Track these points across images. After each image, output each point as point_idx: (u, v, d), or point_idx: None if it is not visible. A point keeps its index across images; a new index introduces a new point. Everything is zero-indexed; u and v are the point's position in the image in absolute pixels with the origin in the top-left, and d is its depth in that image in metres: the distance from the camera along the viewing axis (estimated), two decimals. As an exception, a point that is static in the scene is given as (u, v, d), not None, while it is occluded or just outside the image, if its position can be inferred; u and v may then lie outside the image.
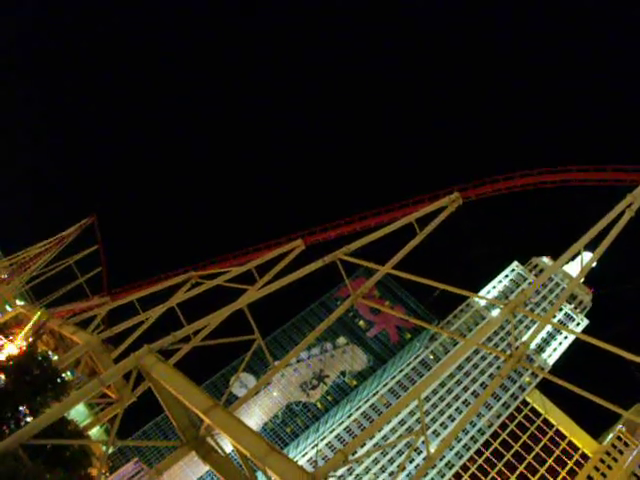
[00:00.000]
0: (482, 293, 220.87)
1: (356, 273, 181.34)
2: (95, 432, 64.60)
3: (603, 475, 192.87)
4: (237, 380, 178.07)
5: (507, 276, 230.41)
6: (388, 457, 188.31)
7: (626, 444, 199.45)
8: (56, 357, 47.71)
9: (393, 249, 51.12)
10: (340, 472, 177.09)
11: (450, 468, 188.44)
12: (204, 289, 55.54)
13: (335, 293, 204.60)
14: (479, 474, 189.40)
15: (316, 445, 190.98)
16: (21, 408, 37.37)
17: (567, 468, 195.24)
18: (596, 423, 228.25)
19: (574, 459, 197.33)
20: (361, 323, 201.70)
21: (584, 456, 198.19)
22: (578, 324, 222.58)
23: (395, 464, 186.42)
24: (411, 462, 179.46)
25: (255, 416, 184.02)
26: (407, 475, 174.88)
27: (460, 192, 53.21)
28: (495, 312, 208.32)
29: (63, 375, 41.54)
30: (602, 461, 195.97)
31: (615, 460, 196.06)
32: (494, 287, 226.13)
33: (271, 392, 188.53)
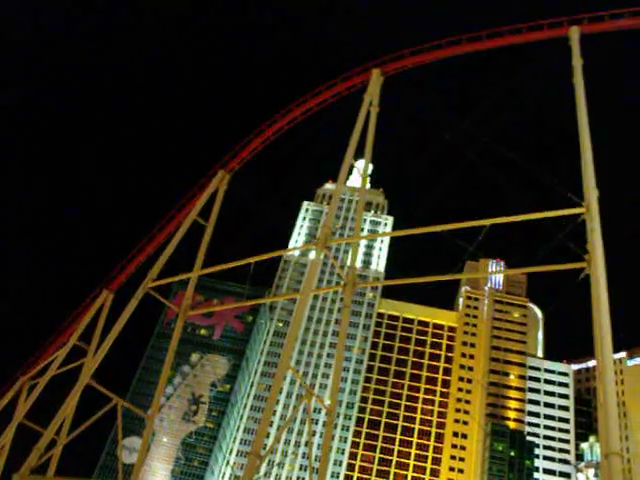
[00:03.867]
0: (291, 244, 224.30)
1: (174, 289, 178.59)
2: None
3: (474, 335, 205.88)
4: (123, 450, 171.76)
5: (305, 218, 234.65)
6: (295, 432, 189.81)
7: (476, 299, 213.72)
8: None
9: (196, 247, 51.09)
10: (263, 470, 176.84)
11: (352, 407, 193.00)
12: (41, 388, 52.94)
13: (165, 319, 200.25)
14: (378, 397, 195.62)
15: (227, 462, 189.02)
16: None
17: (444, 347, 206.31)
18: (446, 296, 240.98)
19: (445, 336, 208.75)
20: (203, 332, 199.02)
21: (452, 329, 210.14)
22: (386, 224, 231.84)
23: (304, 434, 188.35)
24: (317, 423, 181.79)
25: (160, 469, 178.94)
26: (321, 436, 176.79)
27: (224, 168, 53.56)
28: (312, 255, 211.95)
29: None
30: (467, 324, 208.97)
31: (475, 317, 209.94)
32: (299, 234, 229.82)
33: (161, 439, 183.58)
